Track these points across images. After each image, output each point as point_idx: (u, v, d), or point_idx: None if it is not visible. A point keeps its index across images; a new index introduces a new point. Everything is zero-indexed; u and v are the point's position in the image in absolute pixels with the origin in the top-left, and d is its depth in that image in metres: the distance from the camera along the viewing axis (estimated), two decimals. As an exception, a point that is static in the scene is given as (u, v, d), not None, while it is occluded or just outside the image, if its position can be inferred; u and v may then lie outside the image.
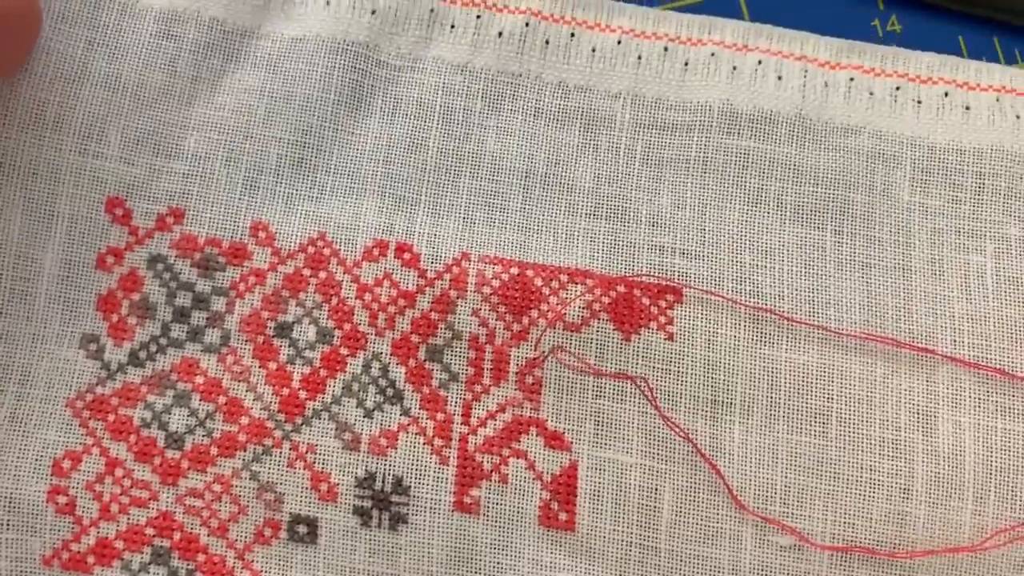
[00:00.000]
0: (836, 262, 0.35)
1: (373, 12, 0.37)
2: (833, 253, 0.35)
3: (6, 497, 0.32)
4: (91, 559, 0.32)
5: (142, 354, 0.33)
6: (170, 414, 0.33)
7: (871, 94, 0.37)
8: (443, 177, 0.36)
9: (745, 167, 0.36)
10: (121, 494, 0.32)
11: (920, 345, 0.34)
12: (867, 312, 0.35)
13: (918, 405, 0.34)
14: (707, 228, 0.36)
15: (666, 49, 0.38)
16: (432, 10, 0.38)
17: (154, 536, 0.32)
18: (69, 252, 0.34)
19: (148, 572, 0.32)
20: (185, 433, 0.33)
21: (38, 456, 0.32)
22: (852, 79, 0.37)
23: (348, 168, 0.36)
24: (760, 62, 0.37)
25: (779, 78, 0.37)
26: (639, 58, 0.37)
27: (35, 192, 0.34)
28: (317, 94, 0.36)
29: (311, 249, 0.35)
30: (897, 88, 0.37)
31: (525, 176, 0.36)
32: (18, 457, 0.32)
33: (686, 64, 0.37)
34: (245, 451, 0.33)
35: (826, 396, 0.34)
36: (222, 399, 0.33)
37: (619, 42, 0.38)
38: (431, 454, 0.33)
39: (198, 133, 0.35)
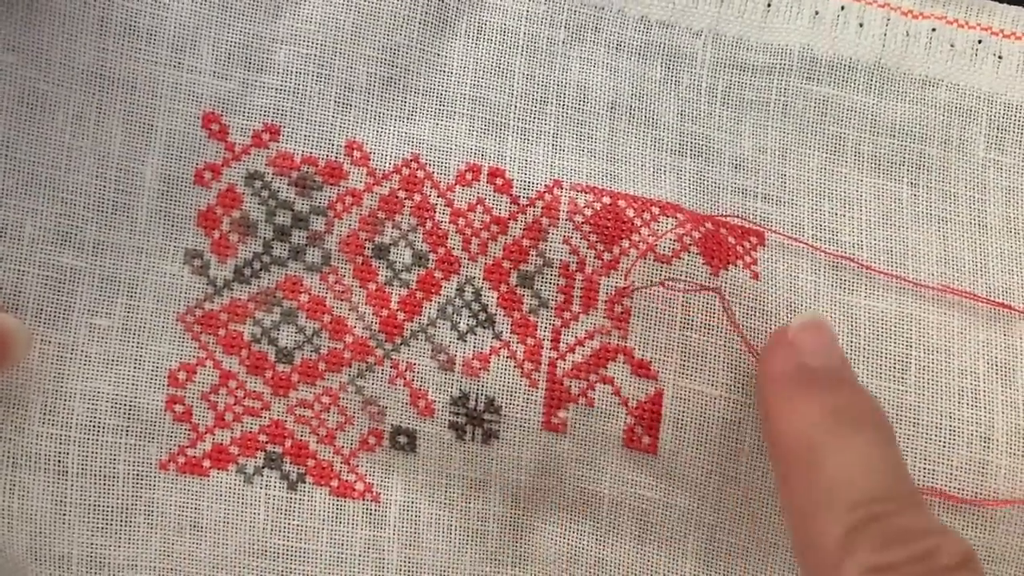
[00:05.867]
0: (913, 215, 0.34)
1: None
2: (910, 206, 0.34)
3: (125, 405, 0.32)
4: (207, 463, 0.33)
5: (246, 271, 0.33)
6: (279, 330, 0.33)
7: (952, 46, 0.35)
8: (530, 103, 0.34)
9: (824, 114, 0.34)
10: (235, 404, 0.33)
11: (997, 300, 0.33)
12: (944, 265, 0.33)
13: (996, 357, 0.33)
14: (788, 174, 0.34)
15: None
16: None
17: (267, 443, 0.33)
18: (168, 167, 0.32)
19: (262, 475, 0.33)
20: (294, 349, 0.33)
21: (153, 367, 0.33)
22: (934, 29, 0.35)
23: (437, 90, 0.34)
24: (843, 8, 0.35)
25: (860, 25, 0.35)
26: None
27: (134, 105, 0.32)
28: (403, 12, 0.33)
29: (405, 171, 0.34)
30: (979, 41, 0.35)
31: (610, 107, 0.34)
32: (134, 368, 0.32)
33: (768, 5, 0.35)
34: (350, 367, 0.33)
35: (904, 344, 0.33)
36: (327, 318, 0.33)
37: None
38: (521, 377, 0.33)
39: (287, 47, 0.33)
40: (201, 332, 0.33)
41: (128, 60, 0.32)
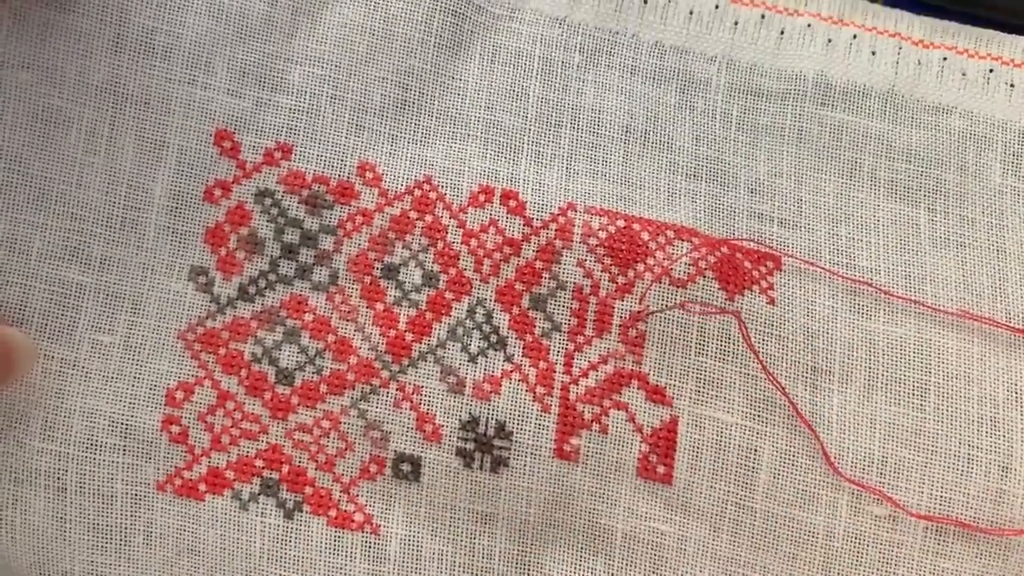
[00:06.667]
0: (931, 240, 0.34)
1: None
2: (928, 231, 0.34)
3: (122, 423, 0.31)
4: (203, 487, 0.31)
5: (251, 289, 0.32)
6: (280, 350, 0.32)
7: (964, 75, 0.35)
8: (544, 127, 0.34)
9: (839, 140, 0.34)
10: (232, 426, 0.32)
11: (1017, 326, 0.33)
12: (963, 290, 0.33)
13: (1016, 384, 0.32)
14: (804, 199, 0.34)
15: (763, 17, 0.35)
16: None
17: (263, 468, 0.31)
18: (178, 183, 0.32)
19: (257, 502, 0.31)
20: (295, 370, 0.32)
21: (152, 385, 0.31)
22: (945, 58, 0.35)
23: (451, 113, 0.34)
24: (855, 36, 0.35)
25: (873, 53, 0.35)
26: (735, 23, 0.35)
27: (147, 122, 0.32)
28: (418, 35, 0.34)
29: (417, 192, 0.33)
30: (990, 70, 0.35)
31: (625, 131, 0.34)
32: (132, 385, 0.31)
33: (782, 33, 0.35)
34: (353, 390, 0.32)
35: (924, 369, 0.32)
36: (331, 338, 0.32)
37: (717, 7, 0.35)
38: (533, 401, 0.32)
39: (302, 67, 0.33)
40: (201, 350, 0.32)
41: (142, 77, 0.32)
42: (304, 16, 0.33)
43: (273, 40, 0.33)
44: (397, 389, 0.32)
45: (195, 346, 0.32)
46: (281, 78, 0.33)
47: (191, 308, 0.32)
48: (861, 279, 0.33)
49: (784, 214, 0.34)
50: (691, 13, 0.35)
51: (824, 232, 0.34)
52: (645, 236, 0.33)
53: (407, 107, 0.34)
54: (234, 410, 0.32)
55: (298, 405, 0.32)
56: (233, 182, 0.32)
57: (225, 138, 0.32)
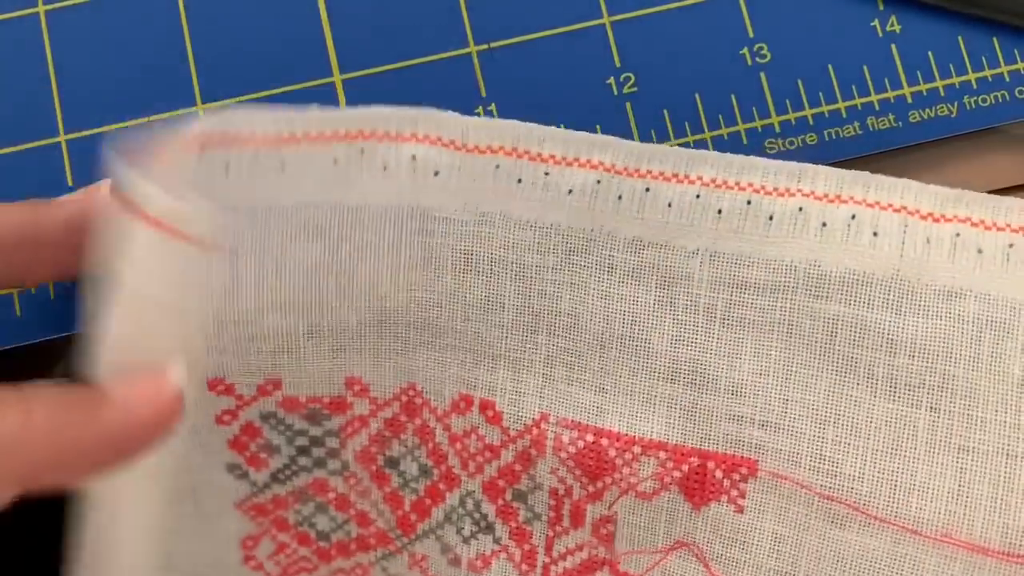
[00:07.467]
0: (928, 443, 0.31)
1: (436, 173, 0.32)
2: (926, 433, 0.31)
3: (213, 559, 0.40)
4: None
5: (280, 476, 0.38)
6: (315, 518, 0.38)
7: (980, 251, 0.30)
8: (520, 334, 0.34)
9: (833, 334, 0.31)
10: (293, 564, 0.40)
11: (1008, 551, 0.31)
12: (956, 501, 0.31)
13: None
14: (790, 399, 0.32)
15: (749, 203, 0.31)
16: (498, 166, 0.32)
17: (320, 590, 0.40)
18: (190, 423, 0.35)
19: (318, 611, 0.41)
20: (330, 532, 0.39)
21: (228, 537, 0.39)
22: (958, 234, 0.30)
23: (428, 324, 0.34)
24: (854, 216, 0.30)
25: (875, 234, 0.30)
26: (719, 212, 0.31)
27: None
28: (387, 262, 0.33)
29: (404, 398, 0.36)
30: (1010, 245, 0.30)
31: (601, 336, 0.33)
32: (212, 539, 0.39)
33: (770, 219, 0.31)
34: (376, 551, 0.38)
35: None
36: (352, 511, 0.38)
37: (698, 196, 0.31)
38: None
39: (274, 314, 0.34)
40: (256, 516, 0.39)
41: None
42: (269, 267, 0.33)
43: (243, 296, 0.33)
44: (409, 556, 0.38)
45: (250, 513, 0.39)
46: (256, 329, 0.34)
47: (238, 490, 0.38)
48: (833, 495, 0.32)
49: (766, 415, 0.32)
50: (669, 205, 0.31)
51: (808, 434, 0.32)
52: (612, 452, 0.34)
53: (384, 324, 0.34)
54: (292, 553, 0.40)
55: (336, 556, 0.39)
56: (237, 409, 0.36)
57: (217, 383, 0.35)
